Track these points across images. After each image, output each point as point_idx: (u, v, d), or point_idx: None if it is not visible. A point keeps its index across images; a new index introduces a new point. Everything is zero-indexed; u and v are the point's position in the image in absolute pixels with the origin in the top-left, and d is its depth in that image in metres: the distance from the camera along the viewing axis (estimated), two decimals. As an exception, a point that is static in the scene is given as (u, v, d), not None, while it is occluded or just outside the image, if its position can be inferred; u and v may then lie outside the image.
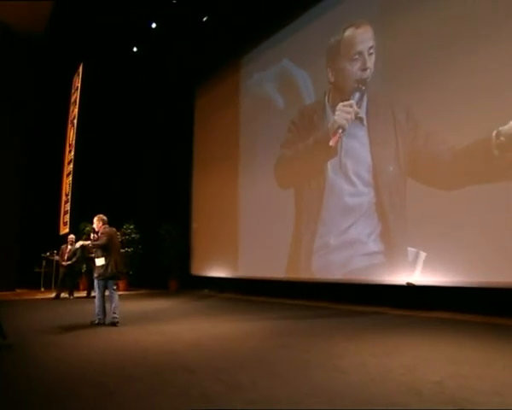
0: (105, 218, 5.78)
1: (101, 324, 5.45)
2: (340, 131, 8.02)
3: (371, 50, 7.73)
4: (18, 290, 11.36)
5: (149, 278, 12.62)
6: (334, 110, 8.36)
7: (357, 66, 7.96)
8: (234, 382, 2.81)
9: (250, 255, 10.26)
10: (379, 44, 7.68)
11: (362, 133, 7.78)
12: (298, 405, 2.37)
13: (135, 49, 12.27)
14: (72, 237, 10.13)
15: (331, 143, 8.12)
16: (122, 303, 8.46)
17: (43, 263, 11.63)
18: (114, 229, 5.89)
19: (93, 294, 6.00)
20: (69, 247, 9.90)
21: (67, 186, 13.28)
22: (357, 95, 7.93)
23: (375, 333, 4.66)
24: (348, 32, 8.22)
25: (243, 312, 6.94)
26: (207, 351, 3.86)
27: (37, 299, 9.63)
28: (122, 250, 11.62)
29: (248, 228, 10.44)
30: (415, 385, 2.66)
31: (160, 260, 12.26)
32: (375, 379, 2.82)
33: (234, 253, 10.72)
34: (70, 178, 13.02)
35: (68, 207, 12.85)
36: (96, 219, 5.75)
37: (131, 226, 12.27)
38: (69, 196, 12.93)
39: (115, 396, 2.58)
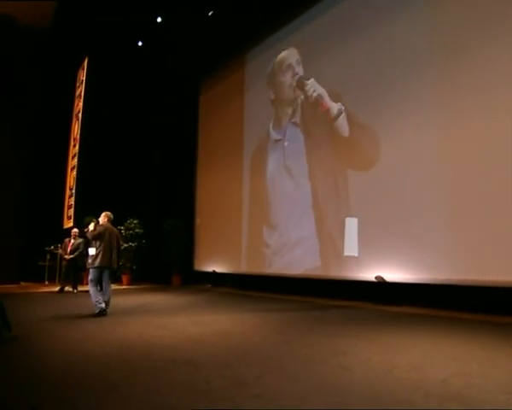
0: (111, 216, 6.22)
1: (103, 310, 5.63)
2: (321, 97, 8.49)
3: (298, 61, 9.28)
4: (22, 284, 11.43)
5: (153, 273, 12.66)
6: (280, 132, 9.62)
7: (289, 75, 9.48)
8: (238, 377, 2.81)
9: (253, 251, 10.26)
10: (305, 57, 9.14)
11: (298, 135, 9.01)
12: (302, 401, 2.37)
13: (140, 44, 12.25)
14: (75, 230, 10.17)
15: (323, 109, 8.45)
16: (126, 297, 8.56)
17: (48, 256, 11.68)
18: (116, 229, 6.26)
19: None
20: (72, 240, 9.94)
21: (72, 180, 13.31)
22: (295, 103, 9.18)
23: (376, 329, 4.65)
24: (279, 55, 9.95)
25: (246, 307, 6.95)
26: (211, 345, 3.86)
27: (42, 292, 9.69)
28: (126, 245, 11.81)
29: (252, 223, 10.43)
30: (420, 383, 2.64)
31: (164, 254, 12.29)
32: (380, 376, 2.81)
33: (237, 248, 10.72)
34: (74, 172, 13.05)
35: (72, 201, 12.89)
36: (102, 215, 6.20)
37: (135, 221, 12.29)
38: (73, 190, 12.96)
39: (120, 390, 2.59)
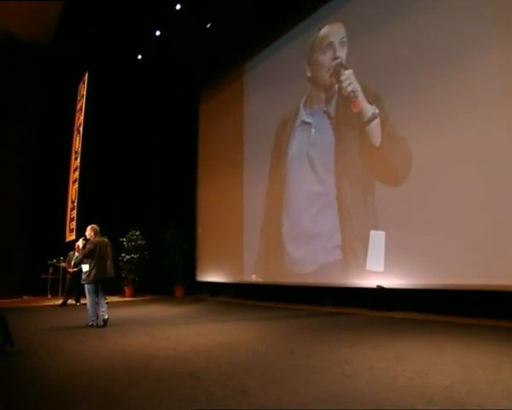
0: (97, 228, 6.33)
1: (95, 325, 5.93)
2: (355, 95, 7.88)
3: (343, 40, 8.26)
4: (25, 297, 11.42)
5: (155, 284, 12.64)
6: (310, 114, 8.96)
7: (328, 55, 8.60)
8: (241, 388, 2.79)
9: (255, 260, 10.23)
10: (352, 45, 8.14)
11: (328, 127, 8.40)
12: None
13: (139, 57, 12.38)
14: (79, 243, 10.16)
15: (355, 109, 7.87)
16: (128, 309, 8.55)
17: (50, 270, 11.67)
18: (106, 240, 6.35)
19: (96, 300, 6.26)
20: (76, 254, 9.93)
21: (73, 193, 13.36)
22: (331, 90, 8.47)
23: (380, 336, 4.62)
24: (322, 30, 8.95)
25: (249, 316, 6.91)
26: (213, 356, 3.84)
27: (44, 306, 9.67)
28: (127, 256, 11.83)
29: (254, 233, 10.43)
30: (424, 390, 2.62)
31: (166, 265, 12.27)
32: (384, 384, 2.79)
33: (239, 258, 10.70)
34: (76, 185, 13.10)
35: (74, 214, 12.93)
36: (88, 229, 6.32)
37: (137, 232, 12.30)
38: (75, 203, 13.00)
39: (122, 403, 2.57)
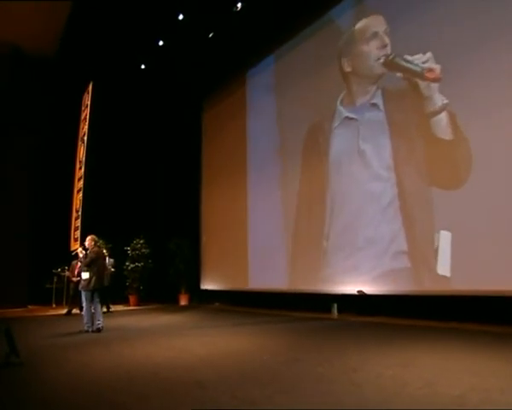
0: (96, 239, 6.70)
1: (90, 331, 6.26)
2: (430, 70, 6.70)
3: (386, 31, 7.49)
4: (30, 307, 11.42)
5: (160, 293, 12.60)
6: (353, 110, 8.07)
7: (374, 45, 7.73)
8: (248, 397, 2.76)
9: (260, 268, 10.19)
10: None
11: (379, 121, 7.49)
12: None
13: (143, 67, 12.49)
14: (78, 253, 10.18)
15: (432, 75, 6.63)
16: (133, 318, 8.53)
17: (55, 279, 11.69)
18: (101, 250, 6.85)
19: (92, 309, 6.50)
20: (79, 263, 9.93)
21: (78, 202, 13.40)
22: (378, 81, 7.62)
23: (388, 343, 4.56)
24: (360, 22, 8.09)
25: (254, 325, 6.87)
26: (219, 366, 3.81)
27: (49, 315, 9.66)
28: (132, 265, 11.85)
29: (258, 240, 10.40)
30: (434, 399, 2.57)
31: (170, 274, 12.25)
32: (392, 393, 2.74)
33: (244, 266, 10.66)
34: (80, 194, 13.16)
35: (79, 223, 12.95)
36: (88, 239, 6.57)
37: (141, 241, 12.31)
38: (80, 213, 13.04)
39: (128, 414, 2.55)
